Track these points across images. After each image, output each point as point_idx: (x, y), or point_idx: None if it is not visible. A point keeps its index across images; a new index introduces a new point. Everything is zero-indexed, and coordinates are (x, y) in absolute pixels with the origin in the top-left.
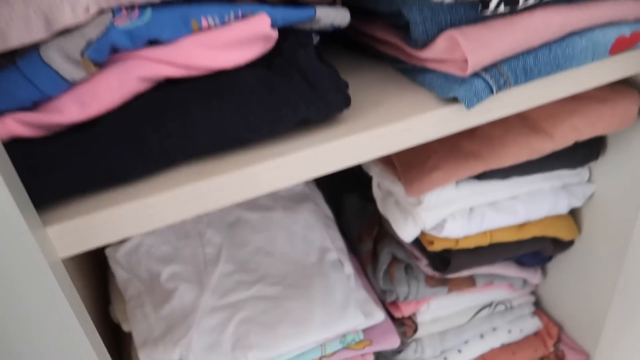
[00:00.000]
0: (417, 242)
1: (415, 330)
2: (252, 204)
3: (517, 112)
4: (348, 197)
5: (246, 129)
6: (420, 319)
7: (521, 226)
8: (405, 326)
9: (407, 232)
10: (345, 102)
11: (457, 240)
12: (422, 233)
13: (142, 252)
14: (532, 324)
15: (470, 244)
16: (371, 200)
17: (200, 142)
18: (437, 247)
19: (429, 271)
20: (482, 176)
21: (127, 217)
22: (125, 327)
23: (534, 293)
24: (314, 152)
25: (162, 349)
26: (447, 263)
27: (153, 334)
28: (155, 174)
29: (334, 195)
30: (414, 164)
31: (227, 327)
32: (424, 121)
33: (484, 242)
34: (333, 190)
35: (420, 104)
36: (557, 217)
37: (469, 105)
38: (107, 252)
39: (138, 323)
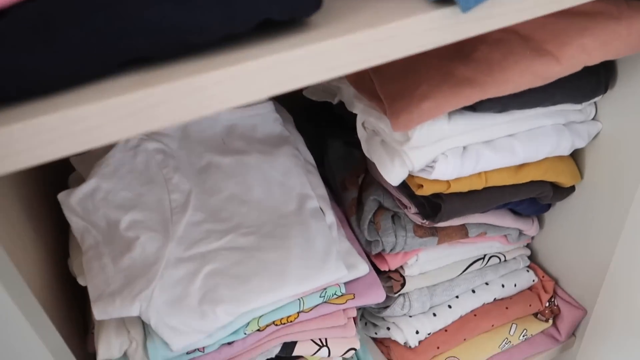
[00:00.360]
0: (405, 188)
1: (403, 284)
2: (225, 148)
3: (522, 22)
4: (332, 142)
5: (192, 28)
6: (408, 272)
7: (519, 168)
8: (392, 280)
9: (393, 175)
10: (316, 0)
11: (448, 183)
12: (411, 176)
13: (98, 197)
14: (527, 278)
15: (464, 188)
16: (357, 146)
17: (135, 42)
18: (426, 191)
19: (418, 220)
20: (477, 107)
21: (45, 134)
22: (81, 281)
23: (528, 246)
24: (279, 60)
25: (120, 303)
26: (438, 210)
27: (110, 287)
28: (80, 82)
29: (316, 141)
30: (402, 94)
31: (194, 279)
32: (410, 27)
33: (479, 185)
34: (316, 136)
35: (407, 8)
36: (559, 160)
37: (465, 6)
38: (60, 197)
39: (94, 276)
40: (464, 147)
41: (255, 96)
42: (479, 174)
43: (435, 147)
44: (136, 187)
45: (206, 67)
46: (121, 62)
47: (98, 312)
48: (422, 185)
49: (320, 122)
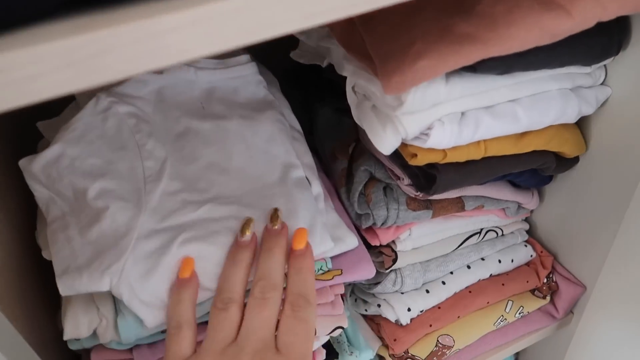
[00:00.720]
0: (398, 157)
1: (395, 260)
2: (204, 113)
3: None
4: (321, 109)
5: None
6: (400, 247)
7: (521, 136)
8: (384, 255)
9: (385, 143)
10: None
11: (444, 152)
12: (404, 144)
13: (63, 164)
14: (525, 254)
15: (461, 157)
16: (348, 112)
17: None
18: (420, 160)
19: (412, 192)
20: (478, 68)
21: None
22: (45, 255)
23: (527, 220)
24: (249, 3)
25: (87, 278)
26: (433, 181)
27: (77, 261)
28: (7, 26)
29: (304, 108)
30: (394, 53)
31: (168, 250)
32: None
33: (477, 154)
34: (304, 103)
35: None
36: (563, 128)
37: None
38: (21, 164)
39: (60, 249)
40: (462, 113)
41: (220, 46)
42: (478, 142)
43: (431, 113)
44: (106, 153)
45: (162, 9)
46: (58, 3)
47: (63, 288)
48: (416, 155)
49: (309, 88)
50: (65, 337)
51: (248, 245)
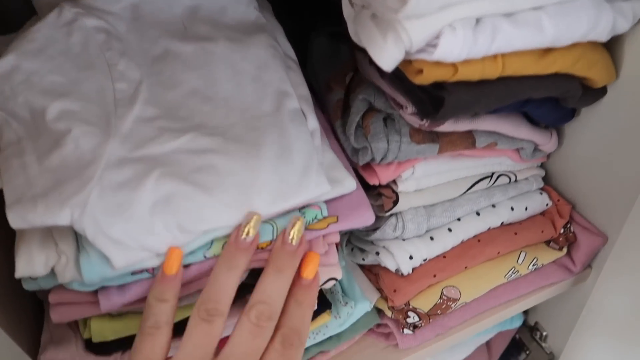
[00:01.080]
0: (401, 81)
1: (396, 202)
2: (186, 34)
3: None
4: (316, 37)
5: None
6: (401, 187)
7: (545, 53)
8: (383, 197)
9: (386, 55)
10: None
11: (455, 67)
12: (407, 61)
13: (18, 79)
14: (540, 202)
15: (474, 74)
16: (345, 39)
17: None
18: (427, 77)
19: (416, 121)
20: None
21: None
22: None
23: (543, 166)
24: None
25: (43, 209)
26: (440, 105)
27: (32, 190)
28: None
29: (298, 39)
30: None
31: (143, 183)
32: None
33: (493, 72)
34: (297, 32)
35: None
36: (592, 48)
37: None
38: None
39: (13, 176)
40: (477, 20)
41: None
42: (495, 57)
43: (440, 17)
44: (70, 72)
45: None
46: None
47: (14, 219)
48: (421, 71)
49: (303, 14)
50: (16, 275)
51: (248, 248)
